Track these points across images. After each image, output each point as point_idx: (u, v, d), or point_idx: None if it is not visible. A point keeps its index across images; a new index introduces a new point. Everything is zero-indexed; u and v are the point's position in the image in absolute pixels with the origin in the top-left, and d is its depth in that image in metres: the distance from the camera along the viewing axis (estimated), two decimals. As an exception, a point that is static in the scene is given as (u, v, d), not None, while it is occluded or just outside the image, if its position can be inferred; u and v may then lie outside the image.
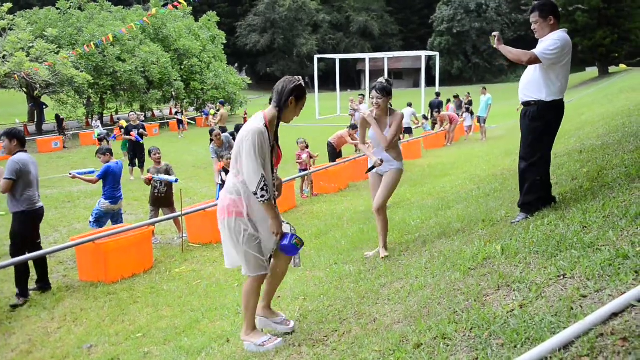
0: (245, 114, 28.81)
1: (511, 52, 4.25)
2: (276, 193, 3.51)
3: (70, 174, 7.51)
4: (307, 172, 10.47)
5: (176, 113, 27.56)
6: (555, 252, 3.15)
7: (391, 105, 4.91)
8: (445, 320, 2.77)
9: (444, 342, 2.56)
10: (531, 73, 4.25)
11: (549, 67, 4.10)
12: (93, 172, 7.77)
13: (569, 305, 2.40)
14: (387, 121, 4.83)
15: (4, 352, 4.88)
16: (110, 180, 7.51)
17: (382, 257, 4.83)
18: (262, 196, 3.21)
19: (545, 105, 4.14)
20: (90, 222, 7.62)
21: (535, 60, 4.09)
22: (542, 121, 4.17)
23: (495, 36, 4.33)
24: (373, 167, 4.94)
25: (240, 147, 3.27)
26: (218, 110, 19.11)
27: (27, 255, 6.09)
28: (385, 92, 4.79)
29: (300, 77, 3.49)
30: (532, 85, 4.22)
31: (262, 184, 3.20)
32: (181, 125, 25.66)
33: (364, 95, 13.76)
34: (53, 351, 4.76)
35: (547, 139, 4.23)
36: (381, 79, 4.90)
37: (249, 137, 3.21)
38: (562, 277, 2.77)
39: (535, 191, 4.27)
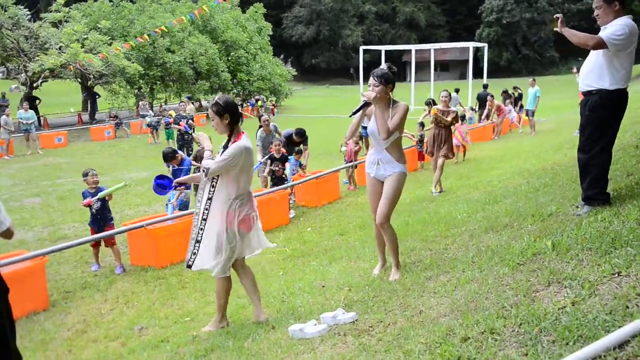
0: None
1: (576, 36, 4.07)
2: None
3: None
4: (352, 163, 10.46)
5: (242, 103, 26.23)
6: (609, 249, 3.07)
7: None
8: (493, 315, 2.75)
9: (492, 336, 2.54)
10: (593, 60, 4.08)
11: (614, 54, 3.92)
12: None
13: (624, 304, 2.34)
14: (388, 114, 4.20)
15: (61, 330, 5.11)
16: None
17: (393, 280, 4.27)
18: None
19: (607, 94, 3.97)
20: (172, 208, 7.71)
21: (601, 44, 3.91)
22: (603, 111, 3.99)
23: (558, 18, 4.18)
24: (365, 105, 4.21)
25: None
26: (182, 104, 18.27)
27: (85, 238, 6.39)
28: (384, 79, 4.14)
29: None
30: (594, 73, 4.05)
31: None
32: (241, 119, 24.82)
33: None
34: (106, 331, 4.96)
35: (609, 130, 4.06)
36: (383, 65, 4.29)
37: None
38: (616, 275, 2.70)
39: (596, 186, 4.13)
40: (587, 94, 4.11)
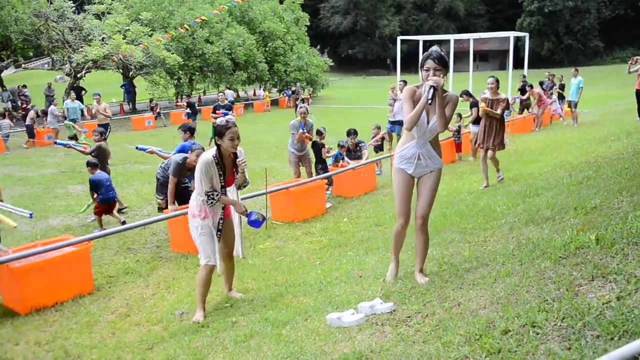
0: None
1: None
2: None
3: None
4: (390, 154, 10.42)
5: (296, 100, 23.28)
6: (658, 245, 2.99)
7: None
8: (534, 308, 2.72)
9: (533, 329, 2.52)
10: None
11: None
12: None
13: (672, 300, 2.29)
14: (443, 103, 3.86)
15: (105, 313, 5.29)
16: None
17: (421, 283, 3.99)
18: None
19: None
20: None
21: None
22: None
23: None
24: (434, 94, 3.76)
25: None
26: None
27: (122, 227, 6.56)
28: (446, 63, 3.80)
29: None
30: None
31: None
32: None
33: (405, 82, 12.57)
34: (148, 315, 5.10)
35: None
36: (435, 47, 3.90)
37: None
38: (664, 271, 2.63)
39: None
40: None
